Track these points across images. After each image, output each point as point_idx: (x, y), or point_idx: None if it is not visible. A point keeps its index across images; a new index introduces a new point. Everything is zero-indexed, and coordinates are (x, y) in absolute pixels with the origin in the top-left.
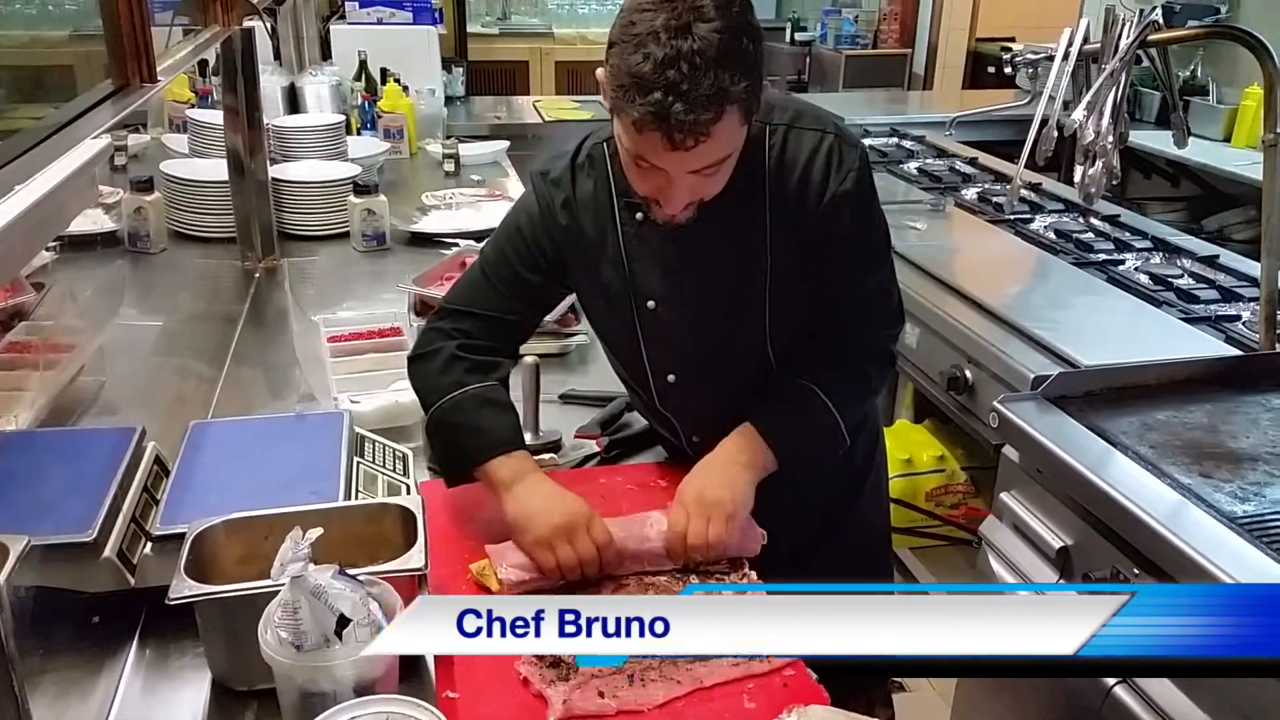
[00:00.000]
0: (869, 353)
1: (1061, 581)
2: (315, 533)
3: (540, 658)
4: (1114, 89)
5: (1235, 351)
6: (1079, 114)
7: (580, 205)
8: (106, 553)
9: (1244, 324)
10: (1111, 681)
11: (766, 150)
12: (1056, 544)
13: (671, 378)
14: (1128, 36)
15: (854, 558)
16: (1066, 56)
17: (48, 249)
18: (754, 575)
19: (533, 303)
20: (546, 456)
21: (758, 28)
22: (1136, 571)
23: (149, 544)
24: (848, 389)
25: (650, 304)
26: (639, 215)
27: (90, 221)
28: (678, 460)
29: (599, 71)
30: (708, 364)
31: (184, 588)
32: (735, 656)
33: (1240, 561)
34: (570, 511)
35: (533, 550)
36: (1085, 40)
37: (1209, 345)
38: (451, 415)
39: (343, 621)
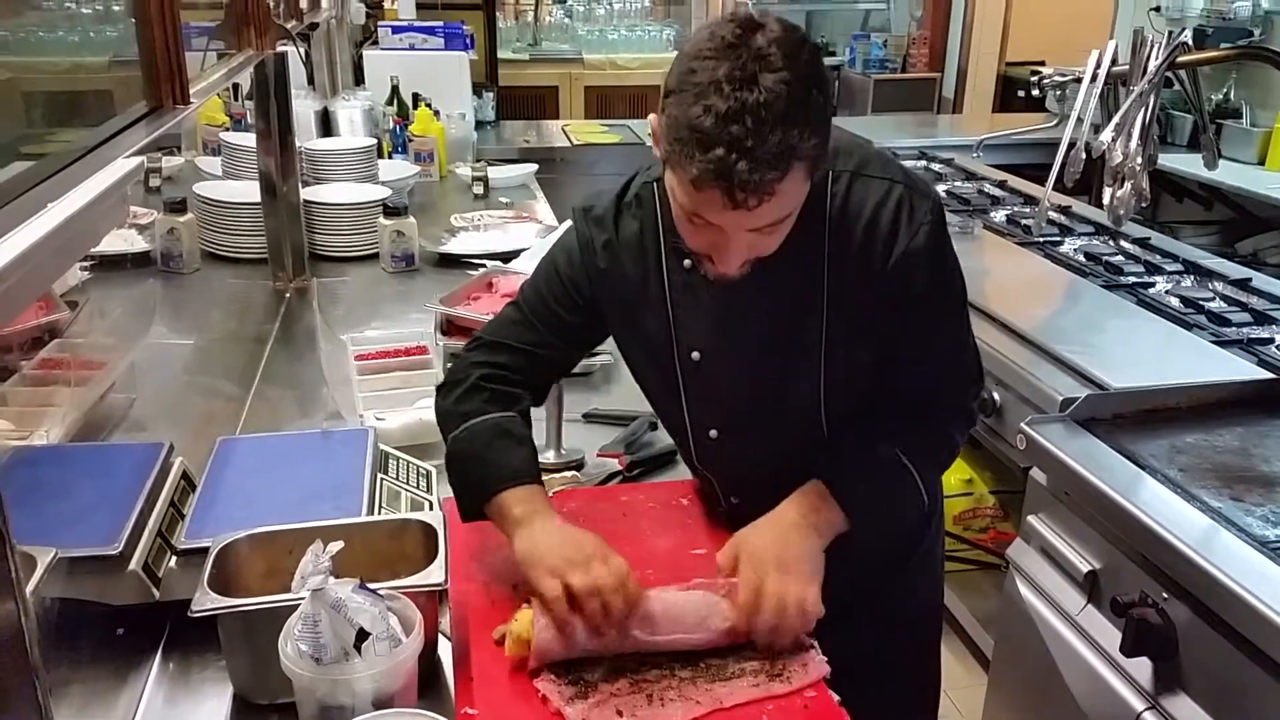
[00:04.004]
0: (948, 412)
1: (1089, 606)
2: (335, 546)
3: (559, 675)
4: (1143, 110)
5: (1267, 375)
6: (1107, 135)
7: (623, 247)
8: (132, 565)
9: (1277, 347)
10: (1141, 706)
11: (829, 199)
12: (1085, 568)
13: (714, 433)
14: (1156, 58)
15: (900, 630)
16: (1095, 78)
17: (82, 268)
18: (820, 660)
19: (569, 340)
20: (569, 474)
21: (827, 77)
22: (1166, 596)
23: (174, 558)
24: (927, 449)
25: (694, 355)
26: (686, 261)
27: (124, 242)
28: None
29: (651, 118)
30: (753, 422)
31: (206, 600)
32: (755, 676)
33: (1271, 586)
34: (583, 544)
35: (541, 580)
36: (1114, 62)
37: (1241, 368)
38: (465, 444)
39: (362, 635)
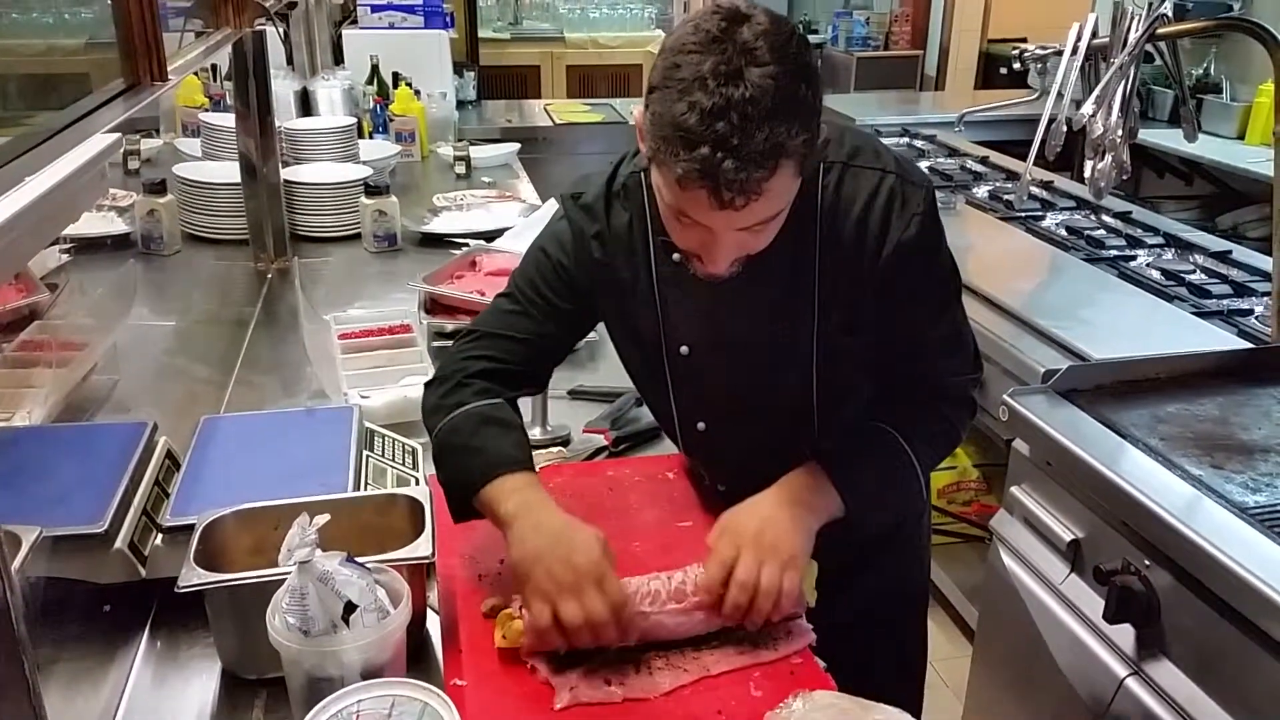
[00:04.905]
0: (948, 400)
1: (1072, 575)
2: (322, 519)
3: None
4: (1123, 83)
5: (1247, 345)
6: (1088, 108)
7: (613, 238)
8: (118, 544)
9: (1256, 318)
10: (1124, 673)
11: (820, 191)
12: (1068, 537)
13: (701, 426)
14: (1136, 30)
15: (886, 602)
16: (1075, 51)
17: (61, 251)
18: (807, 628)
19: (565, 327)
20: (555, 450)
21: (815, 69)
22: (1148, 563)
23: (160, 535)
24: (927, 435)
25: (683, 349)
26: (676, 255)
27: (104, 224)
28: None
29: (635, 112)
30: (741, 416)
31: (193, 576)
32: (741, 644)
33: (1252, 552)
34: (578, 563)
35: (531, 601)
36: (1094, 35)
37: (1221, 339)
38: (450, 438)
39: (350, 608)
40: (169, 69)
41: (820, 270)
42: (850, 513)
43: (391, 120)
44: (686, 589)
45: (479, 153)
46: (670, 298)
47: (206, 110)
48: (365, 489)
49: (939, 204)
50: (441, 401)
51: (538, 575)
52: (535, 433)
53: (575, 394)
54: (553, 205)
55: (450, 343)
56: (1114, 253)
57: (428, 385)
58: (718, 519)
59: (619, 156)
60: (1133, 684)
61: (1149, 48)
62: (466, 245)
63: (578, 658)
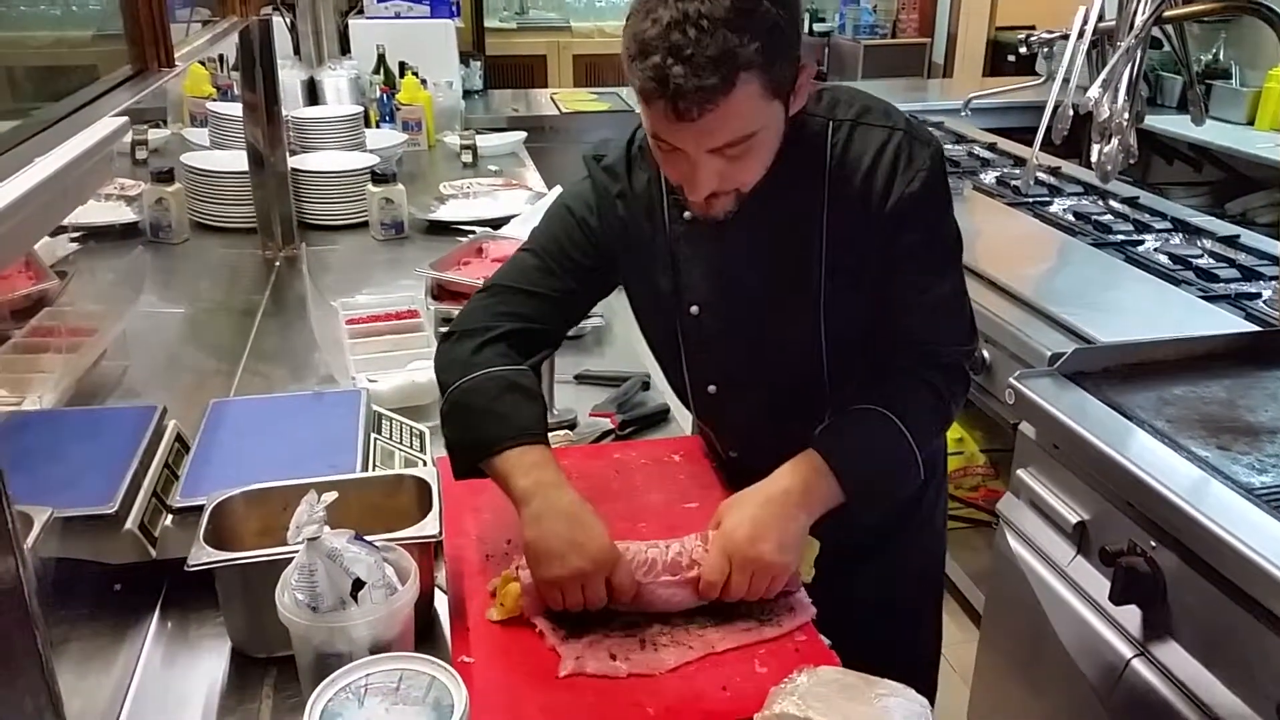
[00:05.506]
0: (941, 372)
1: (1078, 557)
2: (330, 496)
3: (555, 615)
4: (1129, 66)
5: (1255, 328)
6: (1094, 91)
7: (635, 198)
8: (128, 525)
9: (1265, 302)
10: (1130, 654)
11: (829, 147)
12: (1074, 519)
13: (712, 389)
14: (1143, 13)
15: (900, 586)
16: (1082, 36)
17: (70, 239)
18: (807, 603)
19: (588, 283)
20: (562, 434)
21: None
22: (1154, 544)
23: (170, 517)
24: (921, 412)
25: (694, 309)
26: (687, 214)
27: (112, 212)
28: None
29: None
30: (751, 377)
31: (203, 555)
32: (746, 620)
33: (1259, 532)
34: (592, 553)
35: (542, 587)
36: (1100, 19)
37: (1229, 323)
38: (470, 397)
39: (358, 584)
40: (176, 55)
41: (828, 226)
42: (851, 500)
43: (398, 109)
44: (682, 561)
45: (485, 141)
46: (682, 256)
47: (214, 100)
48: (373, 471)
49: (952, 189)
50: (463, 358)
51: (554, 564)
52: None
53: (582, 378)
54: (559, 192)
55: None
56: (1121, 238)
57: (447, 336)
58: (719, 505)
59: (638, 122)
60: (1139, 665)
61: (1157, 32)
62: (473, 232)
63: (584, 626)
